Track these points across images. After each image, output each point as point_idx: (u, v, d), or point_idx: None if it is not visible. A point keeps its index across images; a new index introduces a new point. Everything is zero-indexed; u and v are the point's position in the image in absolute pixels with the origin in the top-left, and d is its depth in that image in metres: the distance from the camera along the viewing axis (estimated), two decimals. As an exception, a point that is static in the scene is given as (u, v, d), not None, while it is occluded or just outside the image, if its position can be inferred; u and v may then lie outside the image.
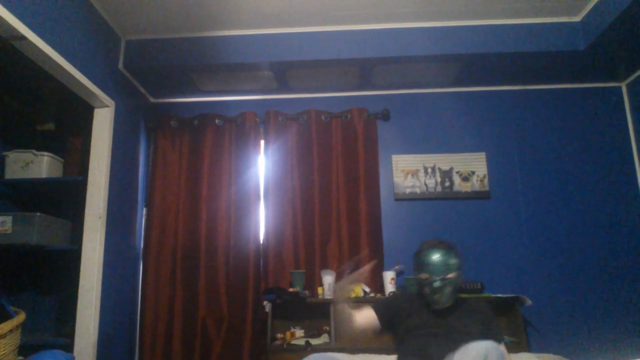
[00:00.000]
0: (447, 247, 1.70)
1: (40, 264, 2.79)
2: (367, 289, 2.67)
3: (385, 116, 3.08)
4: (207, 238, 2.88)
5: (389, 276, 2.67)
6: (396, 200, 2.96)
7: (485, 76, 2.97)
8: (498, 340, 1.64)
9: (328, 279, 2.63)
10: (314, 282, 2.78)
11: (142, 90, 3.06)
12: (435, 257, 1.66)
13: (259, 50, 2.73)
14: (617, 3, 2.27)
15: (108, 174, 2.52)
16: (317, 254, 2.83)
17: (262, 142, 3.09)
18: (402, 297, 1.97)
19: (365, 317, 1.74)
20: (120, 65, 2.73)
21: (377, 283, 2.74)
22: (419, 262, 1.71)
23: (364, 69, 2.84)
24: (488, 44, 2.67)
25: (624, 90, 3.05)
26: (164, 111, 3.17)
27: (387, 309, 1.79)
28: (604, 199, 2.89)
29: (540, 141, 3.00)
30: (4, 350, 1.47)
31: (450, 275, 1.64)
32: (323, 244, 2.86)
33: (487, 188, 2.93)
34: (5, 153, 2.65)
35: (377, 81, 3.02)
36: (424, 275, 1.68)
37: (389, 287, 2.65)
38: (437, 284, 1.63)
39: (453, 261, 1.67)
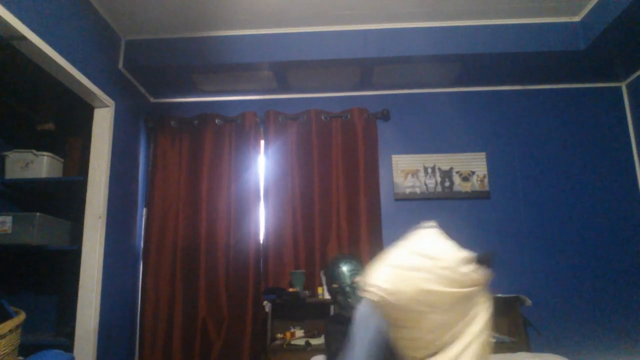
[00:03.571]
0: (350, 256, 1.91)
1: (40, 264, 2.79)
2: None
3: (385, 116, 3.08)
4: (207, 238, 2.88)
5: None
6: (396, 200, 2.96)
7: (485, 76, 2.97)
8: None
9: (328, 279, 2.64)
10: (314, 282, 2.78)
11: (142, 90, 3.06)
12: (343, 266, 1.85)
13: (259, 50, 2.73)
14: (617, 3, 2.27)
15: (108, 174, 2.52)
16: (317, 254, 2.83)
17: (262, 142, 3.09)
18: (339, 325, 1.77)
19: None
20: (120, 65, 2.73)
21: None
22: (329, 274, 1.87)
23: (364, 69, 2.84)
24: (488, 44, 2.67)
25: (624, 90, 3.05)
26: (164, 111, 3.17)
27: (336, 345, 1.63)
28: (604, 199, 2.89)
29: (540, 141, 3.00)
30: (4, 350, 1.47)
31: (357, 279, 1.79)
32: (323, 244, 2.85)
33: (487, 188, 2.93)
34: (5, 153, 2.65)
35: (377, 81, 3.02)
36: (335, 285, 1.83)
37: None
38: (348, 289, 1.79)
39: (357, 266, 1.84)
